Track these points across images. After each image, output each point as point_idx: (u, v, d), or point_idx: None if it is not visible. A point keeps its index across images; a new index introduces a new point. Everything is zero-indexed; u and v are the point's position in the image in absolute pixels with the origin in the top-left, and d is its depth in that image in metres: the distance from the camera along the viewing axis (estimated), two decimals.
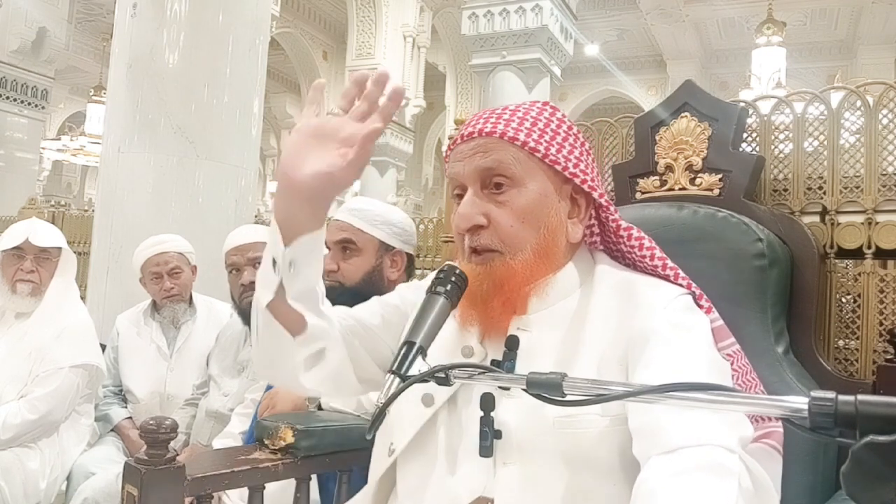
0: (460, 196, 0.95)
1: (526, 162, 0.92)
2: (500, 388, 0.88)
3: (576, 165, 0.94)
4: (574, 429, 0.84)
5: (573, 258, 0.97)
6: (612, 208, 0.98)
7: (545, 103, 0.99)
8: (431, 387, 0.93)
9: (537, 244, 0.91)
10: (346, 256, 1.65)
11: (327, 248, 1.68)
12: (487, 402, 0.90)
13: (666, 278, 0.96)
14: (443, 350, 0.95)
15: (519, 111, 0.95)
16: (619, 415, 0.83)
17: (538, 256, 0.91)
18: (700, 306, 0.94)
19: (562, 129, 0.96)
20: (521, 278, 0.91)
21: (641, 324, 0.87)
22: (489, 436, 0.88)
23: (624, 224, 0.99)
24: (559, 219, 0.94)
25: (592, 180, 0.96)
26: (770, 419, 0.99)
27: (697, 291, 0.96)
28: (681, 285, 0.95)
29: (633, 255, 0.98)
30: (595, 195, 0.96)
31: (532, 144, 0.92)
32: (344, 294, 1.64)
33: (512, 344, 0.92)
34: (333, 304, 1.65)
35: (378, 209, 1.70)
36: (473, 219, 0.91)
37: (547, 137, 0.93)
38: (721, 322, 0.96)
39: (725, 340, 0.95)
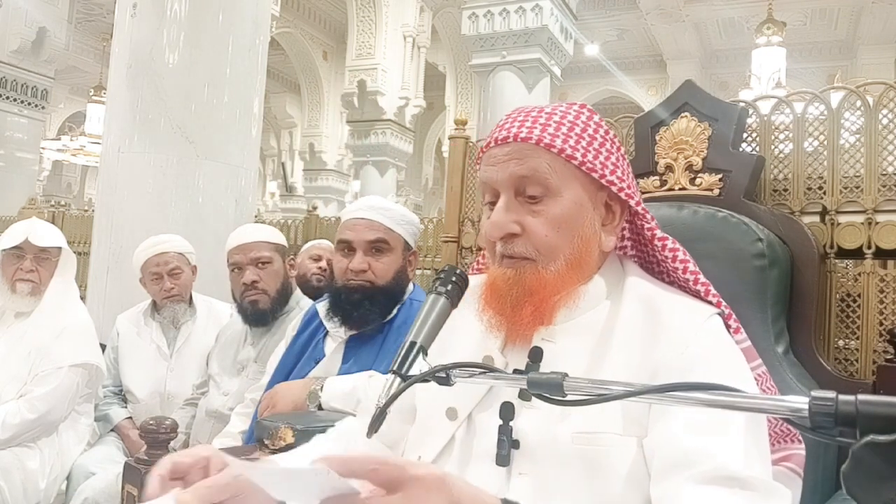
0: (492, 202, 0.93)
1: (562, 170, 0.89)
2: (520, 398, 0.88)
3: (612, 172, 0.91)
4: (593, 445, 0.83)
5: (602, 267, 0.95)
6: (648, 216, 0.96)
7: (582, 106, 0.96)
8: (455, 400, 0.93)
9: (571, 254, 0.90)
10: (378, 256, 1.64)
11: (351, 248, 1.65)
12: (507, 412, 0.89)
13: (696, 293, 0.94)
14: (465, 356, 0.93)
15: (555, 115, 0.92)
16: (642, 436, 0.82)
17: (571, 267, 0.90)
18: (728, 326, 0.92)
19: (598, 134, 0.93)
20: (552, 288, 0.89)
21: (674, 363, 0.84)
22: (506, 445, 0.87)
23: (659, 233, 0.97)
24: (593, 228, 0.92)
25: (629, 187, 0.93)
26: (791, 441, 0.99)
27: (727, 311, 0.93)
28: (710, 303, 0.93)
29: (667, 266, 0.97)
30: (632, 203, 0.94)
31: (569, 151, 0.89)
32: (376, 293, 1.62)
33: (535, 356, 0.91)
34: (364, 304, 1.62)
35: (400, 209, 1.72)
36: (507, 227, 0.89)
37: (584, 143, 0.90)
38: (749, 343, 0.95)
39: (753, 362, 0.93)
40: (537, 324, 0.90)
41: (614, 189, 0.92)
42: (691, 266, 0.96)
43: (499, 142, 0.92)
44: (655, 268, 0.99)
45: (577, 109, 0.94)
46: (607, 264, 0.96)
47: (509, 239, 0.90)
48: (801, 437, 0.99)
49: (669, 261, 0.96)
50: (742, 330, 0.95)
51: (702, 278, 0.95)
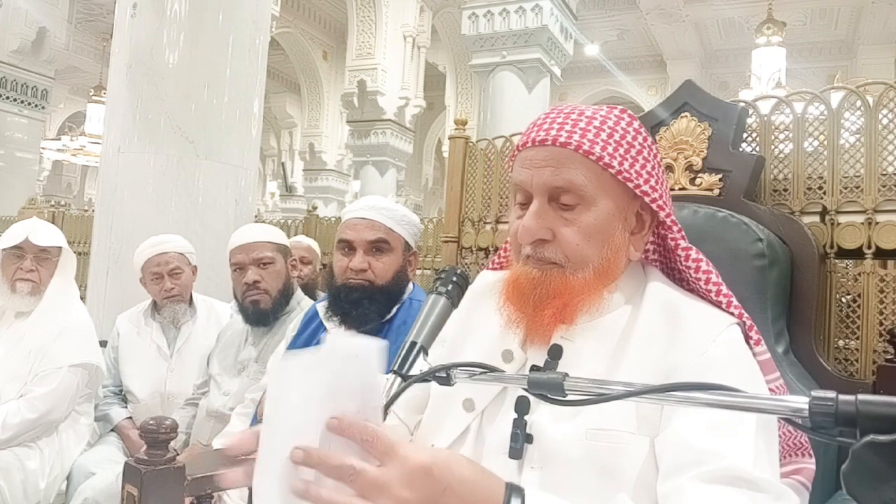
0: (522, 204, 0.92)
1: (597, 179, 0.88)
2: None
3: (646, 181, 0.91)
4: (606, 442, 0.83)
5: (625, 272, 0.95)
6: (675, 228, 0.96)
7: (622, 111, 0.94)
8: (473, 392, 0.93)
9: (599, 263, 0.89)
10: (378, 256, 1.65)
11: (352, 247, 1.66)
12: (522, 406, 0.89)
13: (717, 304, 0.93)
14: (483, 351, 0.95)
15: (595, 119, 0.90)
16: (654, 436, 0.83)
17: (598, 275, 0.89)
18: (749, 337, 0.92)
19: (637, 141, 0.91)
20: (577, 293, 0.89)
21: (689, 367, 0.84)
22: (520, 438, 0.87)
23: (683, 244, 0.96)
24: (623, 238, 0.91)
25: (660, 197, 0.93)
26: (802, 454, 0.99)
27: (748, 322, 0.94)
28: (731, 314, 0.92)
29: (688, 276, 0.96)
30: (661, 215, 0.93)
31: (607, 159, 0.88)
32: (375, 293, 1.63)
33: (555, 353, 0.91)
34: (364, 303, 1.64)
35: (402, 209, 1.72)
36: (538, 234, 0.89)
37: (621, 151, 0.89)
38: (768, 355, 0.95)
39: (770, 375, 0.93)
40: (558, 323, 0.90)
41: (647, 200, 0.91)
42: (714, 277, 0.95)
43: (536, 143, 0.90)
44: (677, 275, 0.99)
45: (618, 115, 0.93)
46: (630, 269, 0.96)
47: (539, 244, 0.90)
48: (811, 452, 1.00)
49: (692, 271, 0.96)
50: (763, 342, 0.94)
51: (724, 289, 0.95)
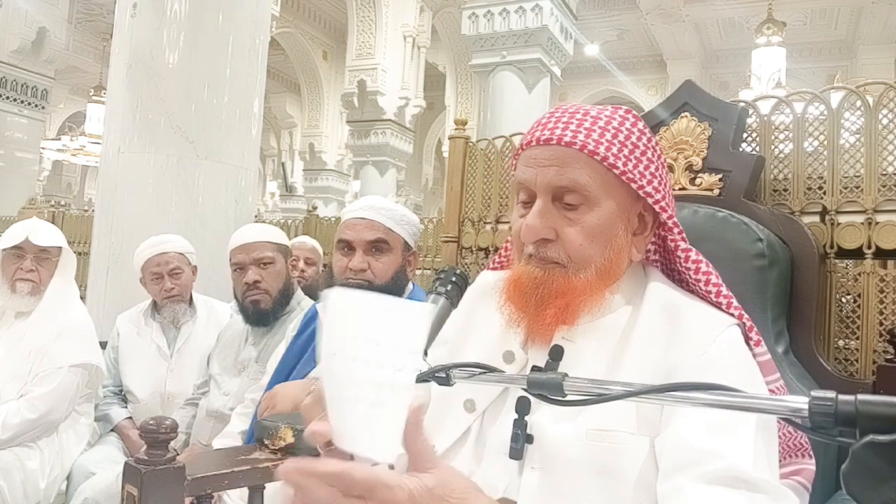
0: (525, 203, 0.92)
1: (601, 179, 0.88)
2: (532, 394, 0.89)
3: (650, 182, 0.91)
4: (606, 442, 0.83)
5: (626, 272, 0.94)
6: (676, 230, 0.96)
7: (627, 111, 0.94)
8: (474, 393, 0.93)
9: (602, 264, 0.90)
10: (378, 256, 1.65)
11: (351, 248, 1.66)
12: (523, 406, 0.89)
13: (717, 305, 0.93)
14: (484, 351, 0.95)
15: (600, 119, 0.90)
16: (654, 436, 0.83)
17: (600, 275, 0.89)
18: (749, 338, 0.92)
19: (642, 141, 0.92)
20: (579, 293, 0.89)
21: (689, 367, 0.84)
22: (520, 439, 0.87)
23: (683, 245, 0.96)
24: (626, 239, 0.92)
25: (663, 198, 0.93)
26: (802, 455, 0.99)
27: (748, 323, 0.93)
28: (731, 315, 0.92)
29: (688, 277, 0.96)
30: (664, 217, 0.93)
31: (611, 160, 0.88)
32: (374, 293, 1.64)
33: (556, 354, 0.91)
34: None
35: (402, 209, 1.73)
36: (542, 233, 0.89)
37: (626, 151, 0.89)
38: (768, 356, 0.95)
39: (770, 376, 0.93)
40: (559, 323, 0.90)
41: (650, 201, 0.91)
42: (714, 278, 0.95)
43: (540, 142, 0.90)
44: (677, 276, 0.99)
45: (623, 115, 0.93)
46: (631, 269, 0.96)
47: (542, 244, 0.90)
48: (811, 453, 1.00)
49: (692, 272, 0.96)
50: (763, 343, 0.94)
51: (724, 290, 0.95)
